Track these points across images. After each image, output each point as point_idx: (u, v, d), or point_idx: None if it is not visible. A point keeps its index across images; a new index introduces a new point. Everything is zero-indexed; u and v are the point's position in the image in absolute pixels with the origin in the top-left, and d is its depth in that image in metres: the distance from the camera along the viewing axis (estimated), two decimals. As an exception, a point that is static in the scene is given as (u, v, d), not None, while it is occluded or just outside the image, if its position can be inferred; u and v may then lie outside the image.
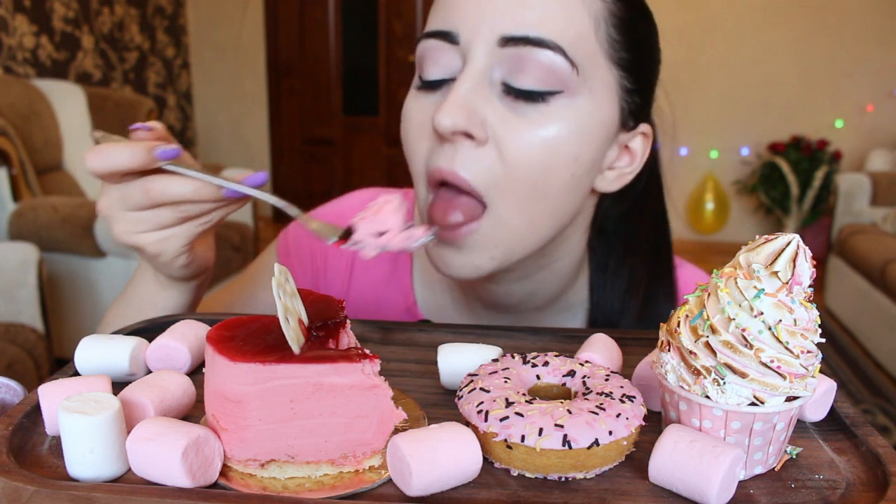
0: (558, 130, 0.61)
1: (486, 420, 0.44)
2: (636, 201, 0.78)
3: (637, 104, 0.68)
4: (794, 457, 0.47)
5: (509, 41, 0.60)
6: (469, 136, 0.60)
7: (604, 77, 0.63)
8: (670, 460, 0.42)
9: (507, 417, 0.43)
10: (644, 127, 0.69)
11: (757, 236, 0.46)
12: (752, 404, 0.43)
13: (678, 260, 0.85)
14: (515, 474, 0.44)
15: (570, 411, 0.44)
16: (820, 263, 3.89)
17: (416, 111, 0.65)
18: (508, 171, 0.61)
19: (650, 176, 0.78)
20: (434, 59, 0.64)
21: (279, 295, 0.44)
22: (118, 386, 0.50)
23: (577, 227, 0.73)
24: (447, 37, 0.63)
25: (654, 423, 0.49)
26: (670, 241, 0.83)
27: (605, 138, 0.65)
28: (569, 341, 0.65)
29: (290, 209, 0.62)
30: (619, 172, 0.70)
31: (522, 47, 0.60)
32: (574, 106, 0.62)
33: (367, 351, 0.44)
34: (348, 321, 0.50)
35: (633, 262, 0.79)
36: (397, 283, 0.84)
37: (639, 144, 0.70)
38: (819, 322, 0.44)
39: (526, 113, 0.61)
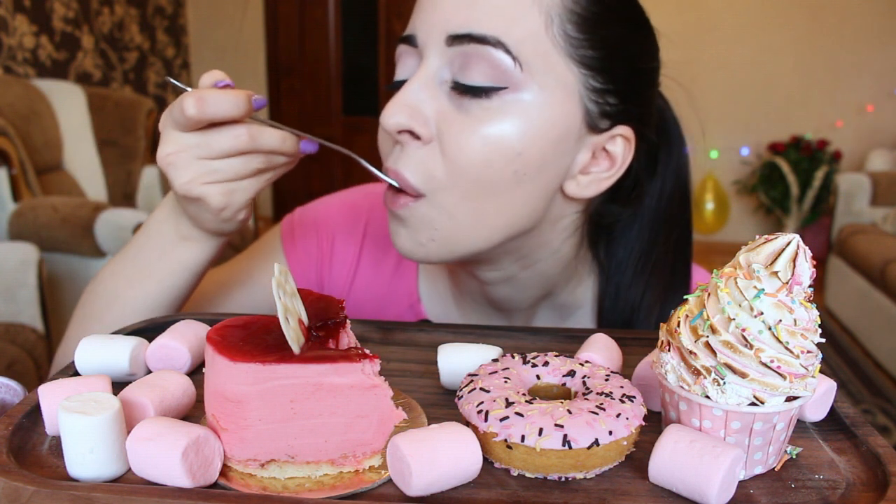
0: (501, 126, 0.61)
1: (486, 420, 0.44)
2: (659, 212, 0.75)
3: (613, 105, 0.65)
4: (794, 457, 0.47)
5: (455, 39, 0.61)
6: (414, 134, 0.62)
7: (560, 75, 0.62)
8: (670, 460, 0.42)
9: (507, 417, 0.43)
10: (622, 129, 0.66)
11: (757, 236, 0.46)
12: (752, 404, 0.43)
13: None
14: (515, 474, 0.44)
15: (570, 411, 0.44)
16: (820, 263, 3.89)
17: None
18: (449, 168, 0.62)
19: (677, 187, 0.77)
20: (402, 63, 0.67)
21: (279, 295, 0.44)
22: (118, 386, 0.50)
23: (558, 232, 0.71)
24: (409, 40, 0.65)
25: (654, 423, 0.49)
26: (690, 261, 0.80)
27: (560, 138, 0.63)
28: (569, 341, 0.65)
29: (360, 159, 0.66)
30: (595, 177, 0.67)
31: (467, 45, 0.61)
32: (519, 102, 0.61)
33: (367, 351, 0.44)
34: (348, 321, 0.50)
35: (642, 291, 0.76)
36: (403, 277, 0.85)
37: (619, 148, 0.67)
38: (819, 322, 0.44)
39: (470, 109, 0.62)
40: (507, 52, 0.60)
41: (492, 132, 0.61)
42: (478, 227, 0.65)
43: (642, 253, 0.76)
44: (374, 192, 0.90)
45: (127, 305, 0.70)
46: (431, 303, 0.84)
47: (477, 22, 0.61)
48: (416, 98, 0.62)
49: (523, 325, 0.81)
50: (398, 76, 0.67)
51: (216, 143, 0.60)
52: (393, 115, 0.61)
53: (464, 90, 0.61)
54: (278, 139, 0.61)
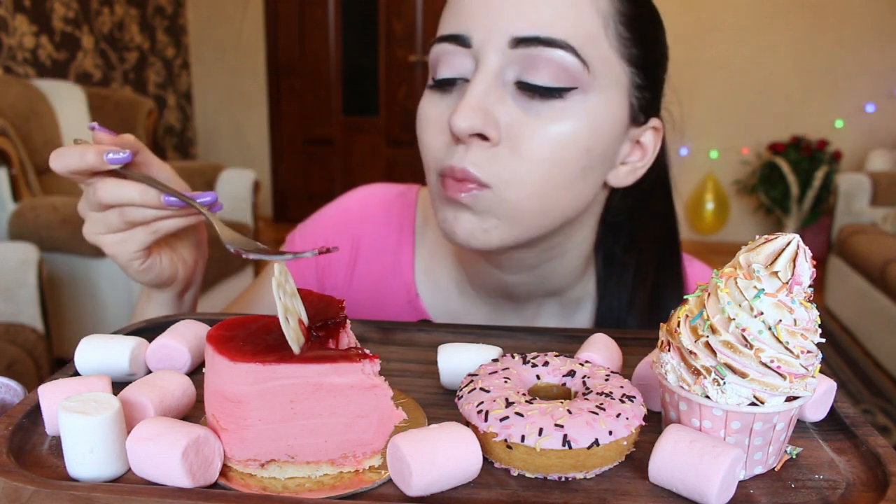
0: (572, 126, 0.63)
1: (486, 420, 0.44)
2: (644, 195, 0.79)
3: (647, 99, 0.69)
4: (794, 457, 0.47)
5: (521, 42, 0.61)
6: (483, 137, 0.62)
7: (615, 74, 0.65)
8: (670, 460, 0.42)
9: (507, 417, 0.43)
10: (654, 122, 0.71)
11: (757, 236, 0.46)
12: (752, 404, 0.43)
13: (687, 257, 0.86)
14: (515, 474, 0.44)
15: (570, 411, 0.44)
16: (820, 263, 3.88)
17: (432, 110, 0.68)
18: (521, 168, 0.63)
19: (658, 170, 0.79)
20: (447, 62, 0.66)
21: (279, 295, 0.44)
22: (118, 386, 0.50)
23: (587, 222, 0.75)
24: (459, 40, 0.64)
25: (654, 423, 0.49)
26: (678, 234, 0.84)
27: (617, 133, 0.67)
28: (569, 341, 0.65)
29: (228, 232, 0.59)
30: (632, 167, 0.72)
31: (534, 47, 0.61)
32: (587, 102, 0.63)
33: (367, 351, 0.44)
34: (348, 321, 0.50)
35: (639, 253, 0.80)
36: (399, 274, 0.85)
37: (649, 139, 0.72)
38: (819, 322, 0.44)
39: (540, 111, 0.63)
40: (576, 54, 0.62)
41: (563, 132, 0.63)
42: (540, 218, 0.66)
43: (633, 239, 0.80)
44: (371, 193, 0.91)
45: None
46: (432, 297, 0.84)
47: (543, 25, 0.61)
48: (485, 100, 0.62)
49: (531, 317, 0.81)
50: (442, 75, 0.67)
51: (89, 196, 0.64)
52: (466, 118, 0.61)
53: (533, 91, 0.62)
54: (135, 193, 0.62)
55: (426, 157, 0.68)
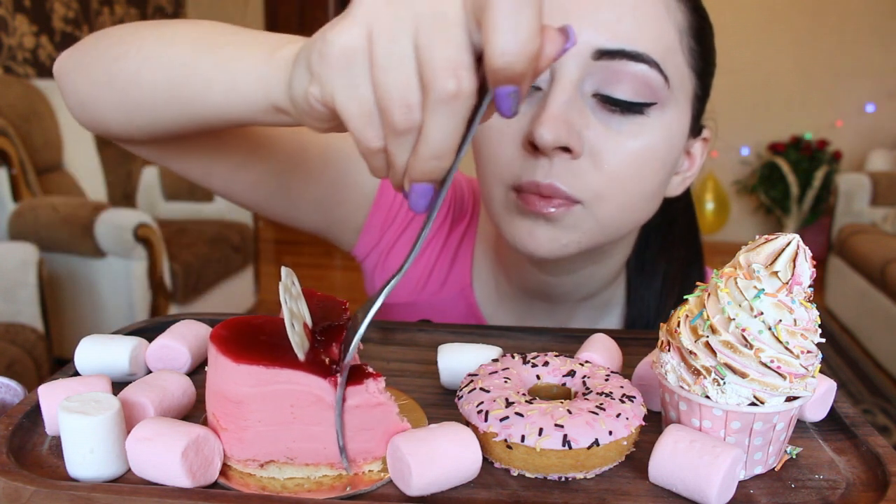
0: (652, 141, 0.62)
1: (486, 420, 0.44)
2: (670, 201, 0.78)
3: (701, 111, 0.69)
4: (794, 457, 0.47)
5: (604, 54, 0.60)
6: (565, 149, 0.61)
7: (686, 87, 0.65)
8: (670, 460, 0.42)
9: (507, 417, 0.43)
10: (705, 132, 0.72)
11: (757, 236, 0.46)
12: (752, 404, 0.43)
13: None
14: (515, 474, 0.44)
15: (570, 411, 0.44)
16: (820, 263, 3.88)
17: (495, 117, 0.64)
18: (606, 181, 0.62)
19: None
20: None
21: (285, 299, 0.43)
22: (118, 386, 0.50)
23: (636, 229, 0.75)
24: None
25: (654, 423, 0.49)
26: (700, 240, 0.84)
27: (683, 145, 0.67)
28: (569, 341, 0.65)
29: None
30: (683, 177, 0.72)
31: (618, 61, 0.60)
32: (664, 117, 0.63)
33: (371, 369, 0.43)
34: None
35: (667, 260, 0.80)
36: (461, 260, 0.85)
37: (698, 148, 0.72)
38: (819, 322, 0.44)
39: (621, 126, 0.62)
40: (659, 69, 0.61)
41: (644, 147, 0.62)
42: (617, 230, 0.66)
43: (662, 247, 0.80)
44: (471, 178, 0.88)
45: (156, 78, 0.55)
46: (480, 288, 0.84)
47: (627, 37, 0.60)
48: (567, 112, 0.60)
49: (563, 320, 0.81)
50: None
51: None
52: (552, 130, 0.59)
53: (614, 105, 0.61)
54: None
55: (488, 167, 0.66)
